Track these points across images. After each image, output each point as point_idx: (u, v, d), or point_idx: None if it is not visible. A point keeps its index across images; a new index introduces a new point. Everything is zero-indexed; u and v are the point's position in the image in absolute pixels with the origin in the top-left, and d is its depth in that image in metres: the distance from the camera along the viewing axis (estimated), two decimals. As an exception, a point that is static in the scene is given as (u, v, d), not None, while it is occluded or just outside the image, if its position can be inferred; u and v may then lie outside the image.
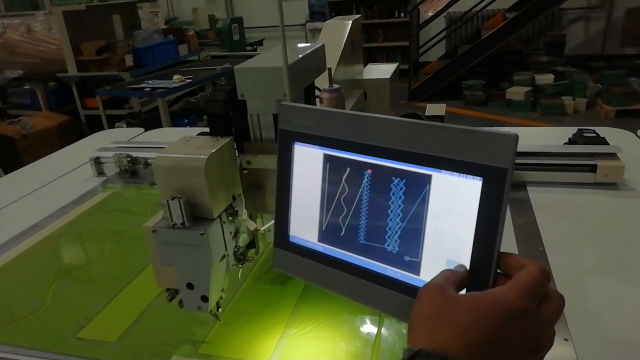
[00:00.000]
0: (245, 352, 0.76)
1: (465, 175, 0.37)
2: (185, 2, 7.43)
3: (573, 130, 1.43)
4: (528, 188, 1.21)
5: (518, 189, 1.20)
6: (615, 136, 1.38)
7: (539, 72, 5.30)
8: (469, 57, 5.54)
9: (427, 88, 5.74)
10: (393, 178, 0.41)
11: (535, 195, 1.17)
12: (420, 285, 0.40)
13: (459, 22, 6.21)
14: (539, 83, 5.12)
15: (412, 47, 6.12)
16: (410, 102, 5.58)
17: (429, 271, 0.41)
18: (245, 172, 0.76)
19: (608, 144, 1.29)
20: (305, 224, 0.48)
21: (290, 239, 0.48)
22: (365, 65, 1.87)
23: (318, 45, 0.85)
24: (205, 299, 0.70)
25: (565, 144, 1.39)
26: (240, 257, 0.76)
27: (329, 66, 0.77)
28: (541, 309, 0.37)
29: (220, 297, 0.75)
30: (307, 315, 0.83)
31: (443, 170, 0.38)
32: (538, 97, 5.06)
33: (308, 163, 0.46)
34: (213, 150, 0.67)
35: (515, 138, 0.35)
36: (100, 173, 1.52)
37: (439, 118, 1.70)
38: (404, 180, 0.40)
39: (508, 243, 1.00)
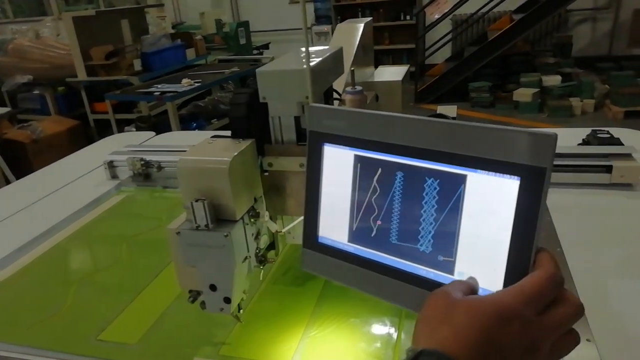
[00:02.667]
0: (266, 354, 0.77)
1: (502, 174, 0.37)
2: (192, 6, 7.47)
3: (582, 131, 1.42)
4: (543, 189, 1.20)
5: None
6: (628, 137, 1.37)
7: (546, 74, 5.28)
8: (475, 59, 5.53)
9: (434, 90, 5.73)
10: (426, 178, 0.41)
11: (551, 196, 1.16)
12: None
13: (465, 24, 6.21)
14: (546, 84, 5.11)
15: (418, 49, 6.12)
16: (417, 104, 5.58)
17: (463, 271, 0.41)
18: (267, 174, 0.76)
19: (622, 144, 1.29)
20: (335, 224, 0.48)
21: (320, 240, 0.49)
22: (375, 67, 1.87)
23: (337, 48, 0.85)
24: (228, 300, 0.71)
25: (579, 144, 1.38)
26: (262, 259, 0.76)
27: (352, 68, 0.78)
28: (546, 314, 0.37)
29: (242, 299, 0.75)
30: (327, 316, 0.83)
31: (479, 170, 0.38)
32: (545, 98, 5.04)
33: (338, 164, 0.47)
34: (236, 153, 0.67)
35: (554, 137, 0.35)
36: (114, 177, 1.53)
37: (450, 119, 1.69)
38: (437, 181, 0.41)
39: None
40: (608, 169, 1.18)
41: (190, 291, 0.74)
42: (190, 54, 5.00)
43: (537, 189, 0.36)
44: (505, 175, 0.37)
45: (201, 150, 0.70)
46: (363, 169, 0.45)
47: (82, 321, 0.89)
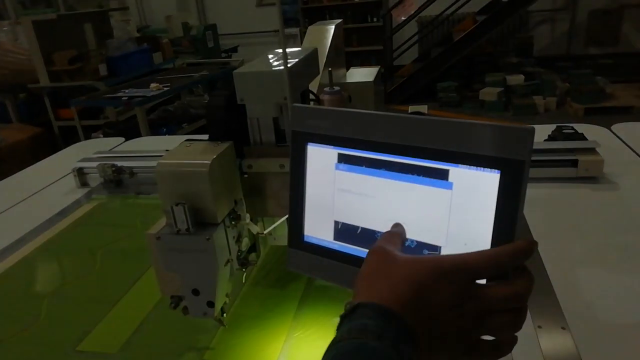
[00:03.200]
0: (251, 357, 0.76)
1: (482, 168, 0.39)
2: (157, 10, 7.34)
3: (547, 128, 1.47)
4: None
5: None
6: (591, 132, 1.43)
7: (510, 73, 5.44)
8: (441, 60, 5.65)
9: (403, 91, 5.82)
10: (410, 175, 0.42)
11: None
12: None
13: (431, 25, 6.33)
14: (510, 84, 5.26)
15: (386, 51, 6.20)
16: (387, 105, 5.65)
17: (448, 264, 0.42)
18: (246, 176, 0.76)
19: (587, 139, 1.34)
20: (320, 223, 0.49)
21: (305, 239, 0.49)
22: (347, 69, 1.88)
23: (311, 50, 0.86)
24: (211, 304, 0.70)
25: (545, 140, 1.43)
26: (244, 262, 0.76)
27: (329, 69, 0.78)
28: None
29: (225, 302, 0.75)
30: (310, 317, 0.83)
31: (460, 165, 0.40)
32: (510, 97, 5.19)
33: (322, 163, 0.47)
34: (215, 156, 0.67)
35: (531, 131, 0.36)
36: (84, 184, 1.49)
37: (422, 119, 1.73)
38: (420, 177, 0.42)
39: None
40: (574, 163, 1.23)
41: (172, 297, 0.73)
42: (157, 57, 4.91)
43: (516, 181, 0.37)
44: (486, 169, 0.38)
45: (179, 154, 0.69)
46: (347, 167, 0.46)
47: (58, 333, 0.87)
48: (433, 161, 0.41)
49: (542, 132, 1.47)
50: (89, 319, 0.88)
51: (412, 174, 0.42)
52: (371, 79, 1.65)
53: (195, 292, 0.70)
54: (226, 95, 0.72)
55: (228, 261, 0.72)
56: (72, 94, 3.98)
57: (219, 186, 0.68)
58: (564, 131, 1.43)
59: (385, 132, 0.43)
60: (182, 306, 0.73)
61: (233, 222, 0.72)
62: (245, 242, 0.78)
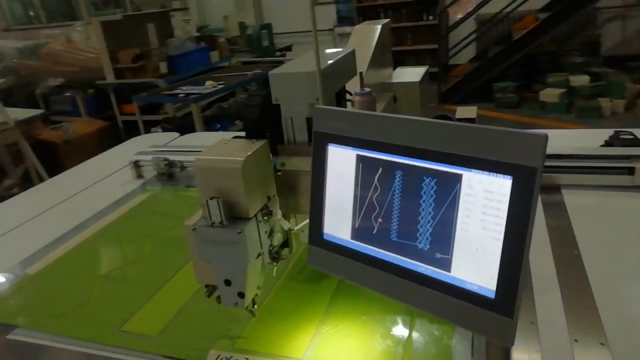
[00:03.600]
0: (279, 348, 0.79)
1: (495, 174, 0.38)
2: (216, 10, 7.59)
3: (608, 132, 1.40)
4: (563, 191, 1.19)
5: (552, 192, 1.19)
6: (655, 138, 1.34)
7: (574, 74, 5.16)
8: (500, 59, 5.45)
9: (458, 91, 5.67)
10: (424, 177, 0.43)
11: (570, 198, 1.15)
12: (451, 281, 0.41)
13: (489, 23, 6.12)
14: (573, 84, 4.99)
15: (441, 50, 6.06)
16: (440, 105, 5.53)
17: (459, 268, 0.42)
18: (279, 173, 0.78)
19: (646, 146, 1.26)
20: (338, 222, 0.50)
21: (324, 237, 0.51)
22: (394, 69, 1.88)
23: (349, 50, 0.87)
24: (242, 295, 0.73)
25: (601, 146, 1.36)
26: (275, 256, 0.79)
27: (360, 70, 0.79)
28: None
29: (256, 294, 0.78)
30: (340, 314, 0.84)
31: (474, 170, 0.40)
32: (573, 99, 4.92)
33: (342, 164, 0.48)
34: (249, 153, 0.70)
35: (544, 138, 0.36)
36: (140, 176, 1.58)
37: (470, 121, 1.69)
38: (435, 180, 0.42)
39: (542, 246, 0.99)
40: (630, 171, 1.16)
41: (206, 286, 0.77)
42: (214, 56, 5.08)
43: (528, 188, 0.37)
44: (498, 174, 0.38)
45: (216, 151, 0.73)
46: (365, 168, 0.47)
47: (107, 313, 0.93)
48: (447, 165, 0.41)
49: (601, 137, 1.39)
50: (135, 302, 0.94)
51: (427, 177, 0.43)
52: (417, 79, 1.64)
53: (227, 282, 0.73)
54: (263, 95, 0.75)
55: (259, 254, 0.74)
56: (135, 90, 4.21)
57: (252, 182, 0.70)
58: (621, 137, 1.35)
59: (401, 135, 0.44)
60: (216, 295, 0.77)
61: (265, 218, 0.75)
62: (278, 237, 0.80)
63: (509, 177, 0.38)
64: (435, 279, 0.43)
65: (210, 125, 3.99)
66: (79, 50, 4.75)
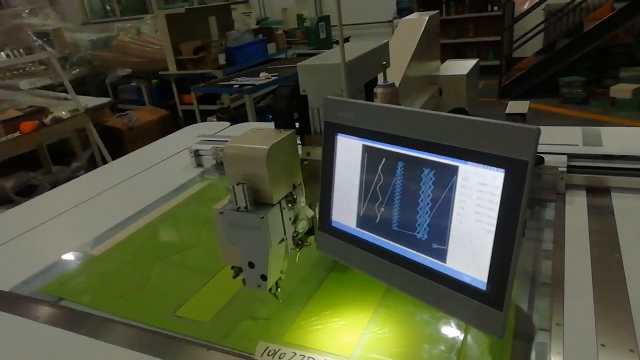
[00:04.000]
0: (328, 345, 0.76)
1: (489, 166, 0.38)
2: (277, 2, 7.71)
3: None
4: (613, 194, 1.12)
5: (600, 195, 1.12)
6: None
7: (651, 68, 4.77)
8: (568, 52, 5.14)
9: (520, 85, 5.42)
10: (424, 169, 0.43)
11: (620, 201, 1.09)
12: (446, 272, 0.41)
13: (560, 13, 5.77)
14: (650, 80, 4.62)
15: (504, 42, 5.81)
16: (500, 99, 5.31)
17: (454, 259, 0.42)
18: (306, 163, 0.80)
19: None
20: (345, 210, 0.51)
21: (333, 224, 0.52)
22: (444, 61, 1.84)
23: (382, 43, 0.87)
24: (264, 277, 0.76)
25: (662, 146, 1.26)
26: (299, 242, 0.81)
27: (383, 62, 0.79)
28: None
29: (280, 278, 0.80)
30: (390, 314, 0.79)
31: (469, 162, 0.40)
32: (648, 95, 4.56)
33: (349, 153, 0.50)
34: (275, 142, 0.72)
35: (536, 131, 0.35)
36: (199, 165, 1.62)
37: (520, 116, 1.63)
38: (433, 171, 0.42)
39: (580, 247, 0.95)
40: (686, 176, 1.08)
41: (232, 267, 0.81)
42: (271, 48, 5.18)
43: (520, 181, 0.36)
44: (492, 167, 0.38)
45: (245, 139, 0.76)
46: (370, 158, 0.48)
47: (162, 297, 0.96)
48: (445, 157, 0.41)
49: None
50: (190, 287, 0.96)
51: (426, 168, 0.43)
52: (464, 72, 1.60)
53: (251, 264, 0.77)
54: (292, 86, 0.77)
55: (282, 240, 0.77)
56: (195, 81, 4.39)
57: (277, 170, 0.73)
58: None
59: (404, 127, 0.44)
60: (242, 277, 0.81)
61: (290, 205, 0.77)
62: (303, 225, 0.82)
63: (501, 170, 0.37)
64: (432, 269, 0.44)
65: (262, 115, 4.09)
66: (146, 42, 5.01)
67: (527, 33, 5.71)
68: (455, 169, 0.41)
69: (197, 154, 1.63)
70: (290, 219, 0.78)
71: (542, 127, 1.36)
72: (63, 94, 3.95)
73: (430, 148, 0.42)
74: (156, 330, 0.84)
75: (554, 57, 5.27)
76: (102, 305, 0.94)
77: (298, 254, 0.83)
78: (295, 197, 0.78)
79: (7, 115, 3.32)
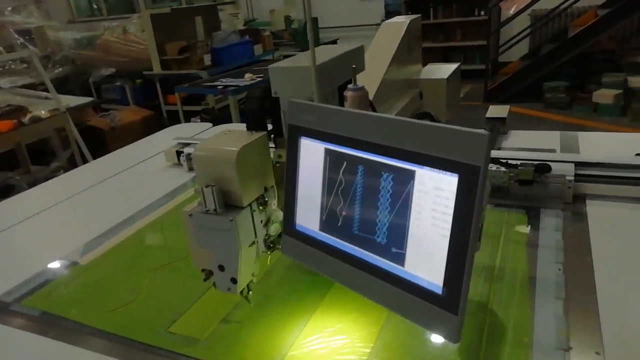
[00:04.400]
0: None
1: (444, 171, 0.38)
2: (265, 3, 7.69)
3: (651, 141, 1.31)
4: (588, 201, 1.13)
5: (575, 202, 1.13)
6: None
7: (634, 74, 4.85)
8: (553, 57, 5.21)
9: (505, 89, 5.48)
10: (383, 173, 0.43)
11: (595, 209, 1.09)
12: (405, 276, 0.41)
13: (545, 19, 5.85)
14: (632, 86, 4.69)
15: (491, 46, 5.87)
16: (485, 103, 5.36)
17: (413, 263, 0.42)
18: (278, 165, 0.80)
19: (688, 156, 1.17)
20: (309, 213, 0.51)
21: (297, 227, 0.52)
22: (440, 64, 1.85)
23: (355, 47, 0.87)
24: (234, 280, 0.75)
25: (637, 155, 1.27)
26: (270, 245, 0.80)
27: (353, 66, 0.79)
28: None
29: (251, 281, 0.80)
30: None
31: (425, 167, 0.39)
32: (630, 101, 4.64)
33: (312, 157, 0.49)
34: (245, 144, 0.71)
35: (487, 136, 0.35)
36: (191, 169, 1.53)
37: (500, 120, 1.64)
38: (392, 175, 0.42)
39: (552, 248, 0.96)
40: (659, 184, 1.09)
41: (203, 270, 0.80)
42: (258, 49, 5.17)
43: (472, 186, 0.36)
44: (447, 172, 0.38)
45: (215, 141, 0.75)
46: (331, 162, 0.48)
47: (155, 311, 0.90)
48: (402, 161, 0.41)
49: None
50: (183, 301, 0.90)
51: (385, 173, 0.43)
52: (445, 76, 1.60)
53: (221, 267, 0.76)
54: (264, 88, 0.77)
55: (253, 243, 0.76)
56: (180, 81, 4.36)
57: (247, 173, 0.72)
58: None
59: (364, 131, 0.44)
60: (212, 280, 0.80)
61: (261, 207, 0.76)
62: (275, 227, 0.82)
63: (455, 174, 0.37)
64: (391, 272, 0.43)
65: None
66: (130, 42, 4.96)
67: (513, 38, 5.77)
68: (412, 174, 0.41)
69: (189, 157, 1.52)
70: (261, 221, 0.77)
71: (522, 132, 1.36)
72: (44, 93, 3.89)
73: (388, 152, 0.42)
74: (147, 346, 0.80)
75: (539, 62, 5.34)
76: (90, 320, 0.88)
77: (269, 256, 0.83)
78: (266, 199, 0.77)
79: (-16, 113, 3.26)
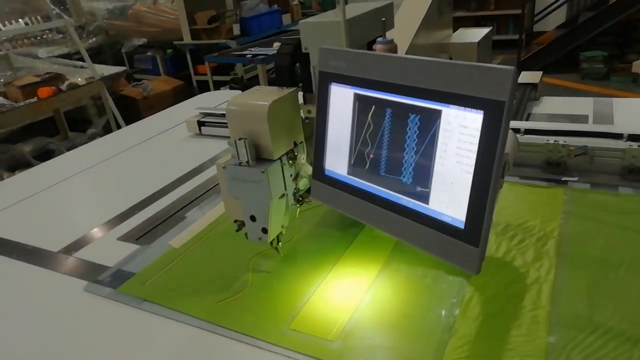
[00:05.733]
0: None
1: (469, 109, 0.40)
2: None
3: None
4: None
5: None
6: None
7: (678, 43, 4.61)
8: (591, 25, 4.98)
9: (539, 59, 5.29)
10: (410, 114, 0.45)
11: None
12: (429, 213, 0.43)
13: (585, -14, 5.58)
14: (675, 55, 4.47)
15: (525, 15, 5.65)
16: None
17: (436, 200, 0.44)
18: (307, 121, 0.82)
19: None
20: (337, 158, 0.53)
21: (325, 172, 0.54)
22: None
23: (385, 3, 0.87)
24: (265, 230, 0.79)
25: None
26: (299, 199, 0.83)
27: (383, 19, 0.80)
28: None
29: (281, 233, 0.83)
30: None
31: (451, 105, 0.41)
32: (673, 71, 4.42)
33: (342, 102, 0.51)
34: (275, 98, 0.74)
35: (512, 72, 0.36)
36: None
37: (532, 86, 1.61)
38: (419, 116, 0.44)
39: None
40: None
41: (235, 221, 0.84)
42: (286, 19, 5.13)
43: (497, 122, 0.38)
44: (472, 109, 0.39)
45: (247, 96, 0.78)
46: (360, 106, 0.50)
47: (269, 304, 0.79)
48: (429, 101, 0.43)
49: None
50: (296, 293, 0.80)
51: (412, 114, 0.44)
52: (476, 40, 1.58)
53: (253, 218, 0.80)
54: (294, 44, 0.79)
55: (283, 195, 0.80)
56: (210, 51, 4.38)
57: (278, 126, 0.75)
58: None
59: (392, 73, 0.46)
60: (244, 231, 0.84)
61: (290, 162, 0.79)
62: (304, 182, 0.85)
63: (480, 111, 0.39)
64: (416, 211, 0.46)
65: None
66: (161, 12, 5.00)
67: (549, 6, 5.54)
68: (438, 113, 0.42)
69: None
70: (291, 175, 0.81)
71: (554, 98, 1.32)
72: (80, 62, 4.00)
73: (416, 93, 0.44)
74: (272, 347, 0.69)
75: (576, 31, 5.12)
76: (199, 312, 0.78)
77: (298, 209, 0.86)
78: (296, 154, 0.80)
79: (25, 81, 3.38)
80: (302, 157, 0.82)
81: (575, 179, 1.05)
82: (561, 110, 1.51)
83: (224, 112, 1.62)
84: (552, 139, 1.11)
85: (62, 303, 0.87)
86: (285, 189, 0.80)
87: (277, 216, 0.80)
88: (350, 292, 0.79)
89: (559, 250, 0.83)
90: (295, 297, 0.80)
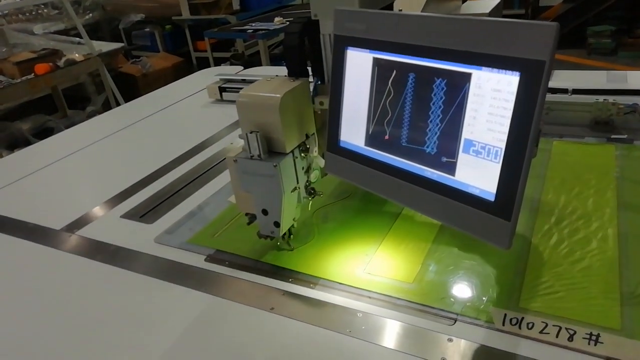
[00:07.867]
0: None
1: (504, 70, 0.36)
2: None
3: None
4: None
5: None
6: None
7: (688, 17, 4.50)
8: (599, -1, 4.87)
9: (545, 35, 5.19)
10: (435, 78, 0.42)
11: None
12: (455, 185, 0.40)
13: (593, -43, 5.42)
14: (685, 30, 4.37)
15: (531, -12, 5.52)
16: (522, 50, 5.10)
17: (463, 171, 0.41)
18: (319, 113, 0.78)
19: None
20: (354, 129, 0.50)
21: (341, 144, 0.51)
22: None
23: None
24: (277, 224, 0.77)
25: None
26: (311, 191, 0.81)
27: None
28: None
29: (292, 226, 0.81)
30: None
31: (483, 67, 0.38)
32: (683, 46, 4.34)
33: (359, 68, 0.48)
34: (287, 90, 0.70)
35: (555, 28, 0.33)
36: None
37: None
38: (445, 81, 0.41)
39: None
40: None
41: (247, 214, 0.82)
42: (287, -7, 5.02)
43: (535, 84, 0.35)
44: (507, 71, 0.36)
45: (258, 87, 0.74)
46: (380, 71, 0.46)
47: (339, 251, 0.81)
48: (457, 64, 0.39)
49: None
50: (367, 240, 0.81)
51: (437, 78, 0.41)
52: (487, 10, 1.53)
53: (264, 212, 0.77)
54: (303, 22, 0.73)
55: (295, 188, 0.77)
56: (209, 26, 4.29)
57: (290, 119, 0.72)
58: None
59: (414, 34, 0.42)
60: (256, 224, 0.80)
61: (302, 154, 0.76)
62: (316, 174, 0.82)
63: (516, 73, 0.35)
64: (441, 183, 0.43)
65: (276, 62, 4.01)
66: (158, -14, 4.88)
67: (556, -21, 5.40)
68: (468, 76, 0.39)
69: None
70: (302, 168, 0.78)
71: (565, 72, 1.28)
72: (77, 39, 3.91)
73: (442, 55, 0.40)
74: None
75: (583, 5, 5.00)
76: (288, 263, 0.80)
77: (310, 202, 0.83)
78: (308, 146, 0.77)
79: (22, 57, 3.31)
80: (314, 150, 0.79)
81: (625, 136, 1.07)
82: (574, 84, 1.47)
83: (244, 78, 1.60)
84: (601, 98, 1.13)
85: (67, 280, 0.85)
86: (298, 182, 0.77)
87: (289, 210, 0.78)
88: (417, 240, 0.78)
89: (618, 200, 0.86)
90: (365, 246, 0.80)
